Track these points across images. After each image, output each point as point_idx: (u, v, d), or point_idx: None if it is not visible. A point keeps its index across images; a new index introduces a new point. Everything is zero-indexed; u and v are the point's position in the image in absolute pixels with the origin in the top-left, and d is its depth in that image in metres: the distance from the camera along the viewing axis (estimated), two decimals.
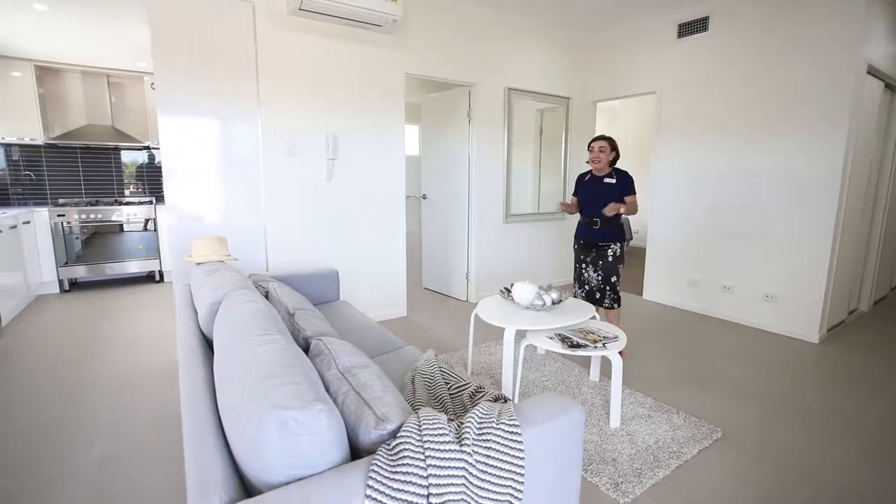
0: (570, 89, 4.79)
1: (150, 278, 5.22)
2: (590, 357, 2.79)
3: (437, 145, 4.68)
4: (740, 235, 3.78)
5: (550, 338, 2.29)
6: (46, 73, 4.76)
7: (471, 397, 1.53)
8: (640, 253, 4.60)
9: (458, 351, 3.11)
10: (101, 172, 5.26)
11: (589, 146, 2.98)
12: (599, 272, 3.01)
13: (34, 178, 4.94)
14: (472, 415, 1.05)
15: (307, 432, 0.84)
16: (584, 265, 3.11)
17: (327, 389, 1.21)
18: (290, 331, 1.61)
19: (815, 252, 3.37)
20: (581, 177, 3.14)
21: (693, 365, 2.99)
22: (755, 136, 3.64)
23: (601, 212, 2.84)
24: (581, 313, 2.51)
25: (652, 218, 4.45)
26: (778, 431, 2.22)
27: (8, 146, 4.78)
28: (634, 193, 2.90)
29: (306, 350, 1.48)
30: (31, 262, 4.41)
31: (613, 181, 2.90)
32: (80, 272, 4.78)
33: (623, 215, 2.95)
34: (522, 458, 0.98)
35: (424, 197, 4.85)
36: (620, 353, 2.20)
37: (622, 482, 1.79)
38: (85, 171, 5.17)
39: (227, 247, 2.39)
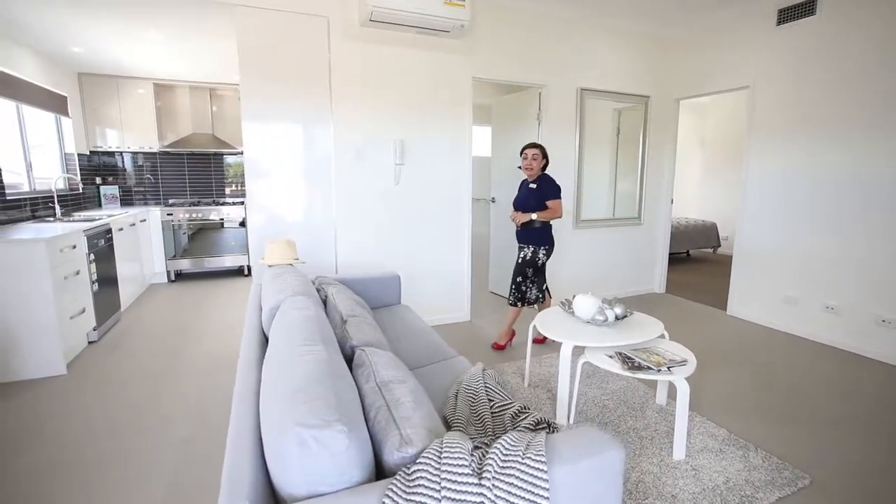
0: (650, 87, 4.48)
1: (240, 272, 5.75)
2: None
3: (506, 148, 4.61)
4: (848, 250, 3.29)
5: (610, 356, 2.16)
6: (162, 89, 5.41)
7: (512, 418, 1.49)
8: (727, 262, 4.18)
9: (517, 361, 3.05)
10: (203, 176, 5.88)
11: (522, 153, 3.12)
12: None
13: (152, 180, 5.65)
14: (499, 445, 1.02)
15: (326, 451, 0.87)
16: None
17: (363, 401, 1.25)
18: (340, 338, 1.68)
19: None
20: (522, 182, 3.33)
21: (780, 394, 2.66)
22: (869, 137, 3.14)
23: (529, 212, 3.07)
24: (647, 331, 2.34)
25: (742, 224, 4.02)
26: (881, 483, 1.90)
27: (134, 154, 5.52)
28: (556, 198, 3.05)
29: (351, 359, 1.53)
30: (147, 255, 5.06)
31: (535, 186, 3.10)
32: (185, 265, 5.38)
33: (546, 221, 3.10)
34: (547, 499, 0.93)
35: (493, 200, 4.82)
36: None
37: None
38: (190, 174, 5.82)
39: (296, 251, 2.55)
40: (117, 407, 2.48)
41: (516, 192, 3.37)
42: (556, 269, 4.31)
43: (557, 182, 3.14)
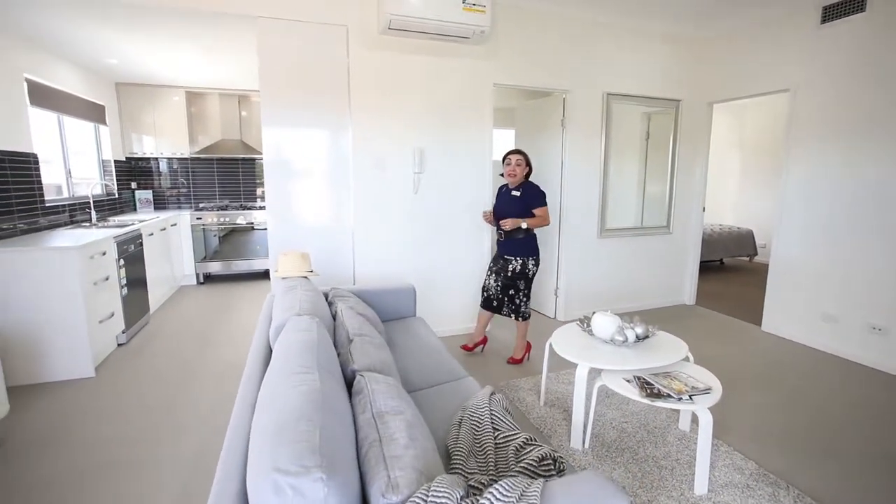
0: (681, 90, 4.28)
1: (267, 275, 5.86)
2: None
3: (530, 154, 4.51)
4: None
5: (628, 381, 2.06)
6: (194, 97, 5.58)
7: (516, 451, 1.43)
8: (764, 271, 3.95)
9: (535, 376, 2.97)
10: (231, 180, 6.03)
11: (505, 159, 3.03)
12: (499, 283, 3.14)
13: (185, 184, 5.83)
14: (490, 494, 0.96)
15: (302, 500, 0.83)
16: (490, 272, 3.22)
17: (357, 433, 1.21)
18: (343, 360, 1.65)
19: None
20: (499, 189, 3.22)
21: (818, 423, 2.47)
22: None
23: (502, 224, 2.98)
24: (670, 354, 2.22)
25: (778, 233, 3.79)
26: None
27: (169, 159, 5.71)
28: (542, 205, 2.96)
29: (352, 383, 1.50)
30: (177, 258, 5.22)
31: (519, 194, 2.99)
32: (213, 268, 5.52)
33: (531, 229, 3.01)
34: None
35: None
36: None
37: None
38: (219, 179, 5.97)
39: (310, 262, 2.55)
40: (138, 412, 2.54)
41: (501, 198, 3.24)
42: (579, 281, 4.19)
43: (542, 188, 3.04)
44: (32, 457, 2.14)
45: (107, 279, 3.28)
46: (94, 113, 4.68)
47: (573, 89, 3.87)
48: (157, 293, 4.44)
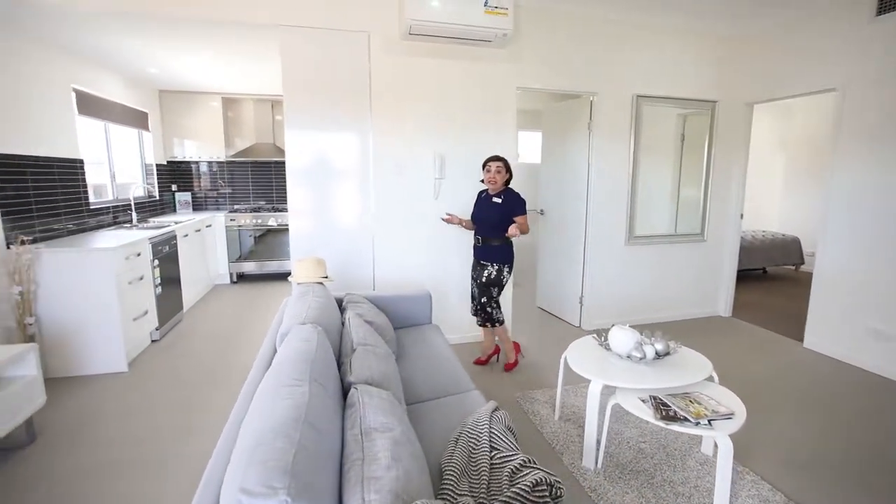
0: (717, 91, 4.07)
1: None
2: None
3: (555, 159, 4.42)
4: None
5: (643, 400, 1.96)
6: (230, 102, 5.79)
7: (511, 473, 1.38)
8: (808, 282, 3.69)
9: (551, 388, 2.88)
10: (264, 183, 6.22)
11: (485, 166, 2.99)
12: (477, 289, 3.11)
13: (223, 186, 6.06)
14: None
15: None
16: (472, 280, 3.19)
17: (344, 449, 1.20)
18: (343, 372, 1.65)
19: None
20: (479, 194, 3.16)
21: (859, 452, 2.27)
22: None
23: (499, 232, 2.92)
24: (691, 374, 2.10)
25: (824, 241, 3.53)
26: None
27: (208, 163, 5.96)
28: (523, 213, 2.90)
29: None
30: (211, 258, 5.43)
31: (499, 201, 2.95)
32: (246, 267, 5.71)
33: (509, 238, 2.95)
34: None
35: (542, 213, 4.63)
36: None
37: None
38: (253, 181, 6.17)
39: (325, 268, 2.58)
40: (163, 410, 2.65)
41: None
42: (604, 289, 4.05)
43: (522, 196, 2.98)
44: (65, 448, 2.27)
45: (141, 279, 3.45)
46: (138, 120, 4.93)
47: (601, 91, 3.74)
48: (190, 292, 4.63)
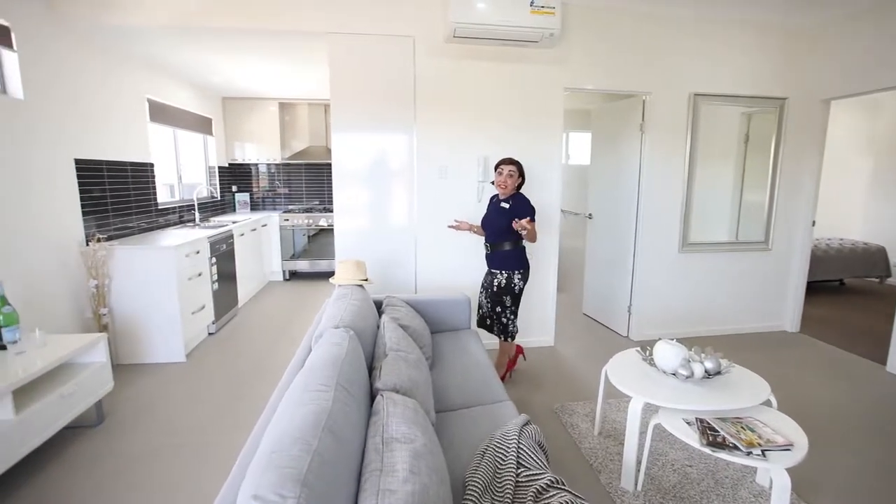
0: (787, 87, 3.74)
1: None
2: None
3: (605, 160, 4.25)
4: None
5: (688, 422, 1.83)
6: (285, 107, 6.06)
7: (537, 494, 1.33)
8: (893, 295, 3.30)
9: (592, 401, 2.77)
10: (317, 184, 6.45)
11: (497, 169, 2.87)
12: (489, 299, 2.97)
13: (280, 186, 6.36)
14: None
15: None
16: (482, 288, 3.06)
17: (364, 457, 1.21)
18: (374, 378, 1.66)
19: None
20: (490, 199, 3.07)
21: None
22: None
23: (507, 238, 2.83)
24: (744, 396, 1.94)
25: None
26: None
27: (266, 165, 6.28)
28: (533, 219, 2.73)
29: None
30: (266, 256, 5.71)
31: (508, 206, 2.84)
32: (298, 265, 5.96)
33: (519, 241, 2.85)
34: None
35: (590, 217, 4.48)
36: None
37: None
38: (307, 183, 6.42)
39: (365, 271, 2.63)
40: (216, 399, 2.81)
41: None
42: (655, 299, 3.85)
43: (532, 203, 2.85)
44: (129, 429, 2.47)
45: (199, 275, 3.68)
46: (203, 125, 5.27)
47: (654, 90, 3.55)
48: (246, 288, 4.89)
